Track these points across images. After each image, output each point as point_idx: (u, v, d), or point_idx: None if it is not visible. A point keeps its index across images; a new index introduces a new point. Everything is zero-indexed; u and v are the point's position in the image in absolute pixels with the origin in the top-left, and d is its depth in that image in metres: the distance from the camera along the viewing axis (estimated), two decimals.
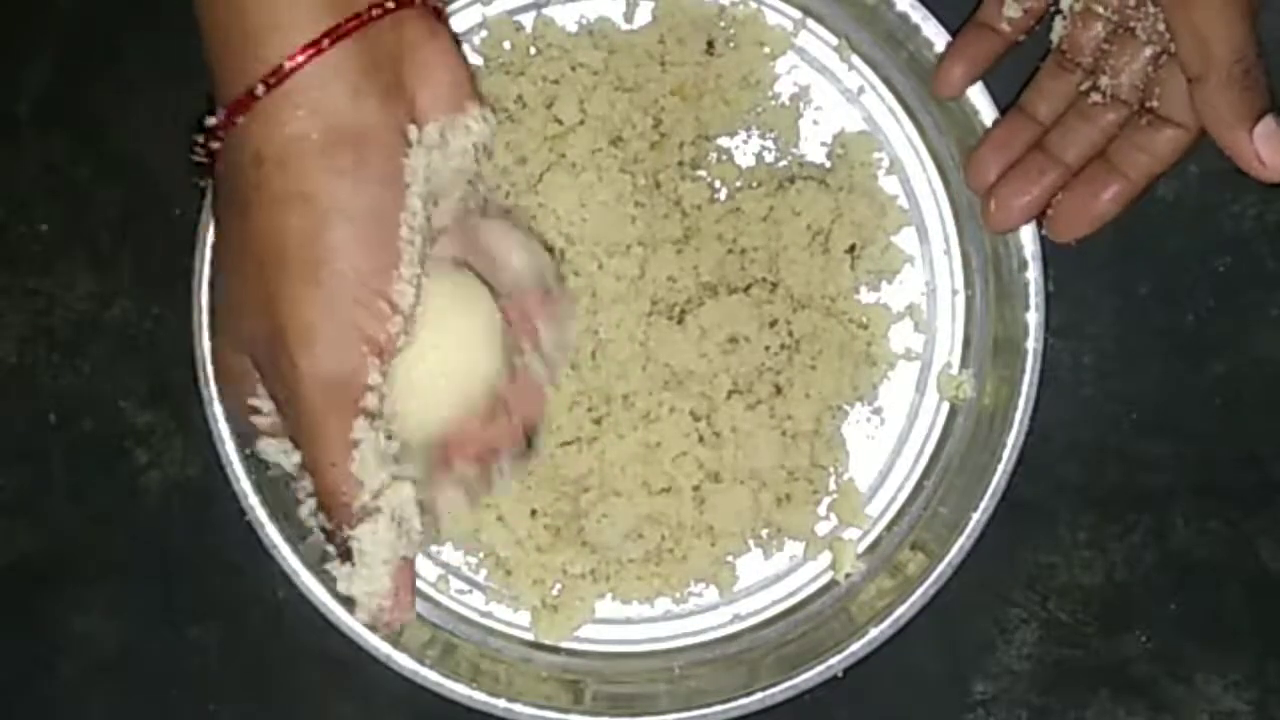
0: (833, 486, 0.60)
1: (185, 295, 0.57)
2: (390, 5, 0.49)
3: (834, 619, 0.60)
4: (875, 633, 0.57)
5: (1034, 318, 0.58)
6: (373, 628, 0.56)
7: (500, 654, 0.60)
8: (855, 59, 0.61)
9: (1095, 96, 0.55)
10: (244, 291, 0.49)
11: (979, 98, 0.58)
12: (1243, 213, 0.62)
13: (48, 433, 0.62)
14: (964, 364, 0.61)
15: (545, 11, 0.61)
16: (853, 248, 0.59)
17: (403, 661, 0.57)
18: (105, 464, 0.62)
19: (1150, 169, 0.54)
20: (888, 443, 0.61)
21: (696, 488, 0.58)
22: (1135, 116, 0.54)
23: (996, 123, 0.58)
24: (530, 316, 0.55)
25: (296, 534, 0.57)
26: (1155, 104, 0.53)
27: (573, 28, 0.61)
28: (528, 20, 0.61)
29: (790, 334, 0.58)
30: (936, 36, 0.59)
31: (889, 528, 0.61)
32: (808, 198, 0.58)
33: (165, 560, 0.62)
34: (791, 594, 0.61)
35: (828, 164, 0.61)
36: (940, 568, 0.57)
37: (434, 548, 0.60)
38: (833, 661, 0.57)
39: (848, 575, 0.60)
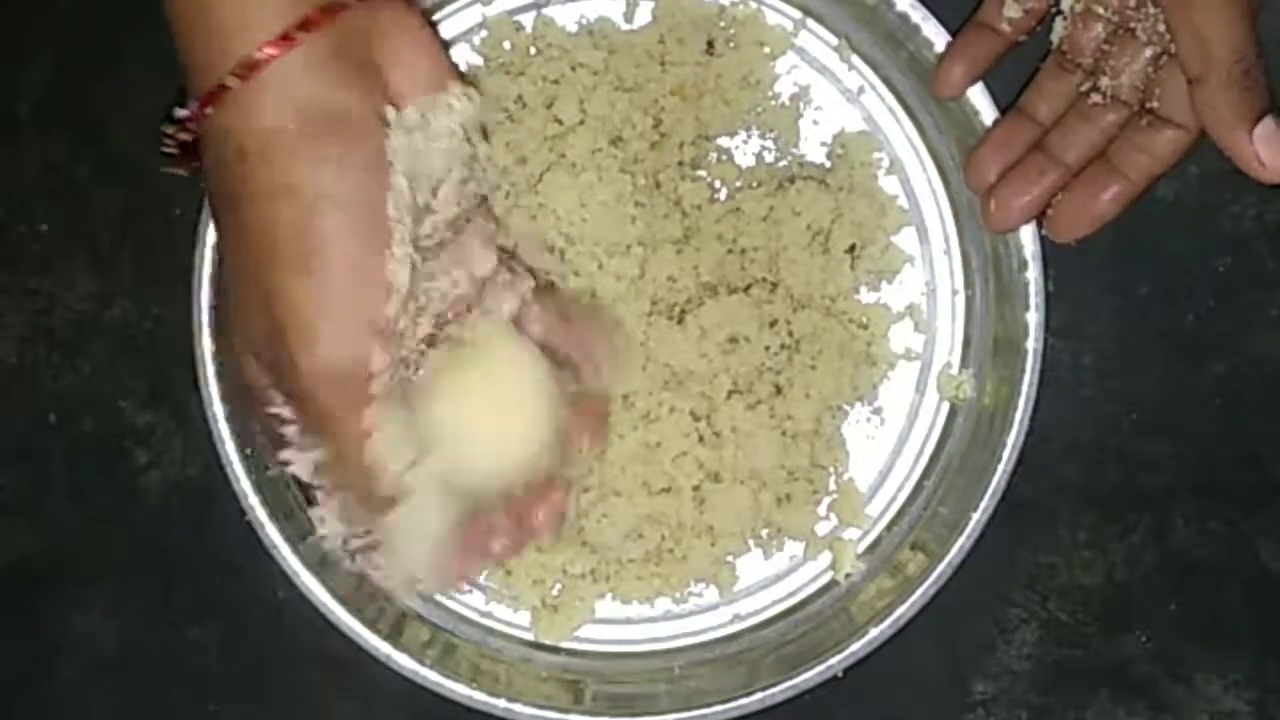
0: (833, 486, 0.60)
1: (185, 295, 0.57)
2: None
3: (834, 619, 0.60)
4: (875, 633, 0.57)
5: (1034, 318, 0.58)
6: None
7: (500, 654, 0.60)
8: (855, 59, 0.61)
9: (1095, 97, 0.55)
10: (247, 290, 0.49)
11: (979, 98, 0.58)
12: (1243, 213, 0.62)
13: (48, 433, 0.62)
14: (964, 364, 0.61)
15: (545, 11, 0.61)
16: (853, 248, 0.59)
17: (403, 661, 0.57)
18: (105, 464, 0.62)
19: (1150, 170, 0.54)
20: (888, 443, 0.61)
21: (696, 488, 0.58)
22: (1135, 117, 0.54)
23: (996, 123, 0.58)
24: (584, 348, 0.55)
25: (296, 534, 0.57)
26: (1155, 105, 0.53)
27: (573, 28, 0.61)
28: (528, 20, 0.61)
29: (790, 334, 0.58)
30: (936, 36, 0.59)
31: (889, 528, 0.61)
32: (808, 198, 0.58)
33: (165, 560, 0.62)
34: (791, 594, 0.61)
35: (828, 164, 0.61)
36: (940, 568, 0.57)
37: None
38: (833, 661, 0.57)
39: (848, 575, 0.60)
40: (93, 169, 0.62)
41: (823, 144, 0.61)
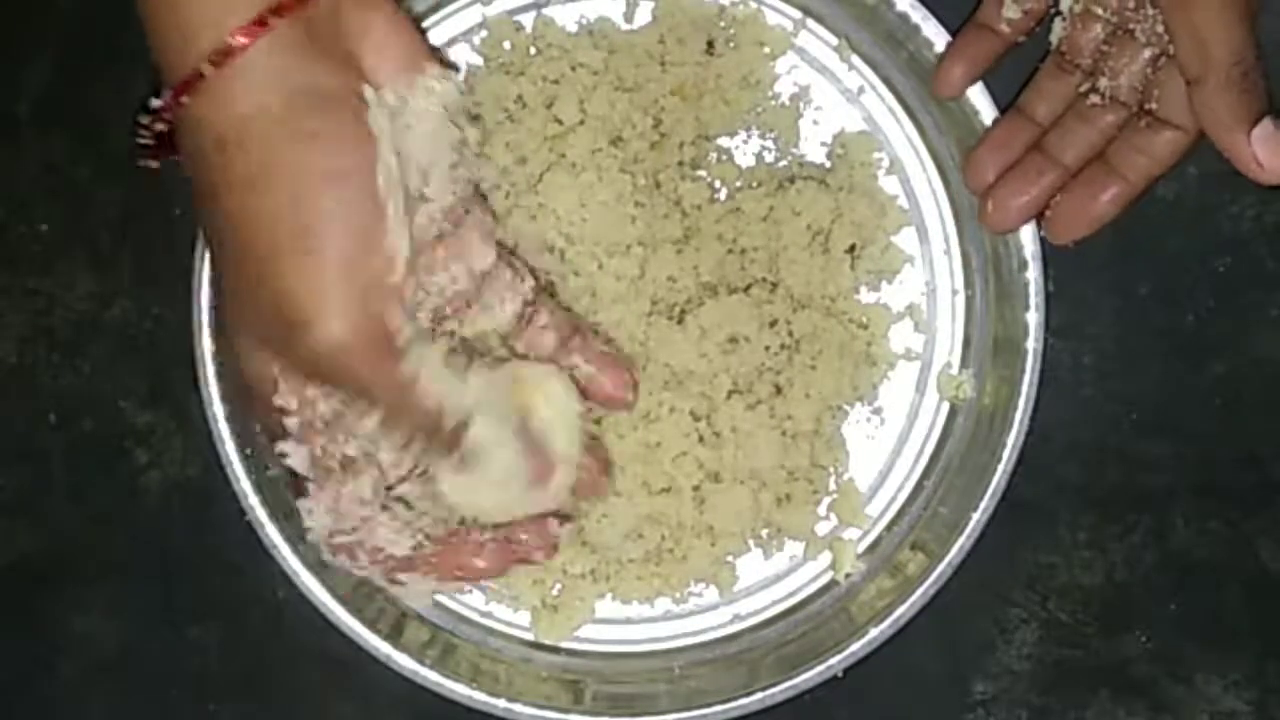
0: (833, 486, 0.60)
1: (185, 295, 0.57)
2: None
3: (834, 619, 0.60)
4: (875, 633, 0.57)
5: (1034, 318, 0.58)
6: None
7: (500, 654, 0.60)
8: (855, 59, 0.61)
9: (1094, 98, 0.55)
10: (239, 281, 0.49)
11: (979, 98, 0.58)
12: (1242, 213, 0.62)
13: (48, 433, 0.62)
14: (964, 364, 0.61)
15: (545, 11, 0.61)
16: (853, 248, 0.59)
17: (403, 661, 0.57)
18: (105, 464, 0.62)
19: (1149, 171, 0.54)
20: (888, 443, 0.61)
21: (696, 488, 0.58)
22: (1134, 118, 0.54)
23: (995, 123, 0.58)
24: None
25: (296, 534, 0.57)
26: (1154, 106, 0.53)
27: (573, 28, 0.61)
28: (528, 20, 0.61)
29: (790, 334, 0.58)
30: (936, 36, 0.59)
31: (889, 528, 0.61)
32: (808, 198, 0.58)
33: (165, 560, 0.62)
34: (791, 594, 0.61)
35: (828, 164, 0.61)
36: (940, 568, 0.57)
37: None
38: (833, 661, 0.57)
39: (848, 575, 0.60)
40: (93, 169, 0.62)
41: (823, 144, 0.61)
